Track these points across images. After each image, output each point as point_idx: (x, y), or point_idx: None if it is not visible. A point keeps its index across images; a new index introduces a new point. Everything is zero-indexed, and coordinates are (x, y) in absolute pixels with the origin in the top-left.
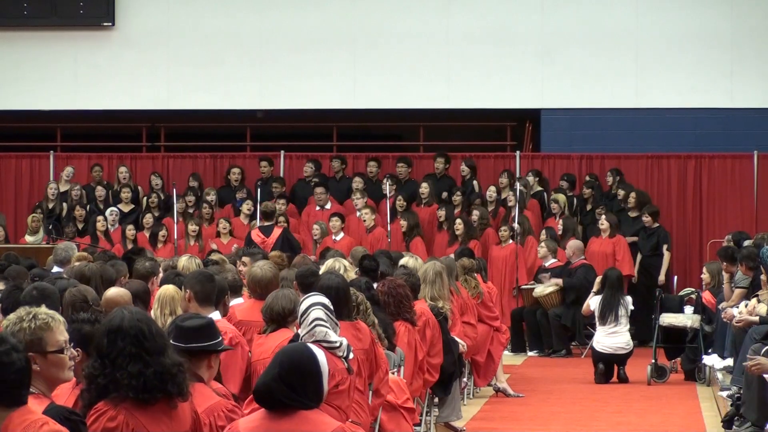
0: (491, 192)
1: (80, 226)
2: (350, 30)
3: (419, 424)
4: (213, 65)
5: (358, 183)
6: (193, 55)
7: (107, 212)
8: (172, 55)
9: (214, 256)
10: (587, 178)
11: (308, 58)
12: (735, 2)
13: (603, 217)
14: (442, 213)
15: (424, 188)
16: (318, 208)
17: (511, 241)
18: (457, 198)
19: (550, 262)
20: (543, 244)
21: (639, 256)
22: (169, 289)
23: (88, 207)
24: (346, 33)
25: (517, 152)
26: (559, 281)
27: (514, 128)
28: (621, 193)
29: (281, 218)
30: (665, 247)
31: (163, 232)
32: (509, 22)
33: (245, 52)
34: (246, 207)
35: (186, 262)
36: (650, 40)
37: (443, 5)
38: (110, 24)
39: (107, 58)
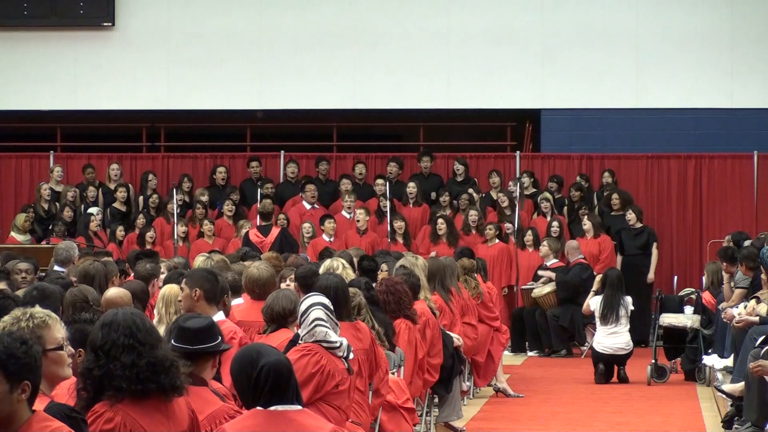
0: (473, 192)
1: (69, 227)
2: (350, 30)
3: (419, 424)
4: (213, 65)
5: (346, 185)
6: (193, 55)
7: (94, 211)
8: (172, 55)
9: (215, 257)
10: (577, 179)
11: (308, 58)
12: (735, 3)
13: (585, 217)
14: (440, 213)
15: (412, 188)
16: (309, 206)
17: (497, 240)
18: (446, 198)
19: (552, 261)
20: (545, 243)
21: (619, 257)
22: (174, 288)
23: (82, 207)
24: (346, 33)
25: (517, 152)
26: (552, 275)
27: (514, 128)
28: (605, 194)
29: (281, 217)
30: (654, 245)
31: (150, 233)
32: (509, 22)
33: (245, 52)
34: (227, 208)
35: (202, 262)
36: (650, 40)
37: (443, 5)
38: (110, 24)
39: (107, 58)
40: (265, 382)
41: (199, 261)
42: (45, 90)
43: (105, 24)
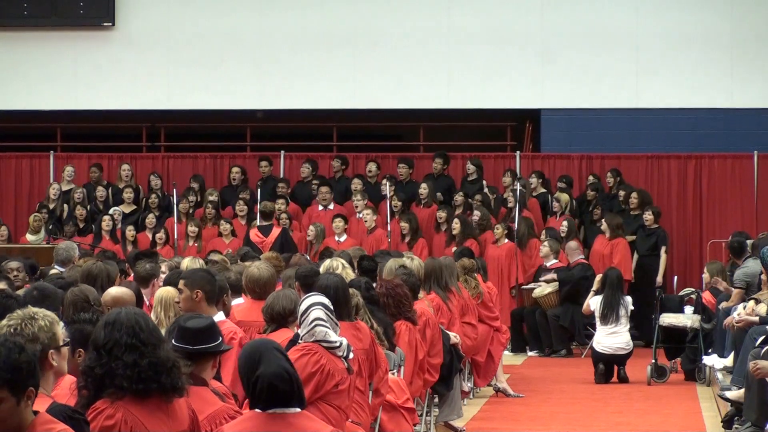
0: (487, 192)
1: (81, 225)
2: (350, 30)
3: (419, 424)
4: (213, 65)
5: (357, 184)
6: (193, 55)
7: (111, 211)
8: (172, 55)
9: (215, 257)
10: (590, 179)
11: (308, 58)
12: (735, 3)
13: (604, 219)
14: (442, 214)
15: (423, 189)
16: (321, 208)
17: (506, 240)
18: (459, 198)
19: (552, 262)
20: (546, 243)
21: (636, 256)
22: (170, 291)
23: (89, 207)
24: (346, 33)
25: (517, 152)
26: (554, 276)
27: (514, 128)
28: (622, 193)
29: (283, 216)
30: (663, 248)
31: (160, 234)
32: (509, 22)
33: (245, 52)
34: (238, 208)
35: (189, 263)
36: (650, 40)
37: (443, 5)
38: (110, 24)
39: (107, 58)
40: (260, 391)
41: (186, 262)
42: (45, 90)
43: (105, 24)
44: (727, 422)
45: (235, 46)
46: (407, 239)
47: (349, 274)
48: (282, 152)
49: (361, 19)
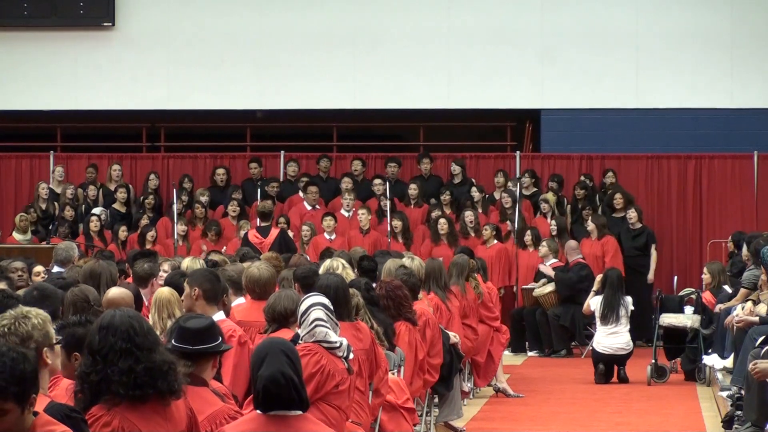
0: (475, 193)
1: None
2: (350, 30)
3: (419, 424)
4: (213, 65)
5: (347, 183)
6: (193, 55)
7: (97, 211)
8: (172, 55)
9: (216, 257)
10: (581, 178)
11: (308, 58)
12: (735, 2)
13: (589, 218)
14: (438, 213)
15: (413, 189)
16: (309, 207)
17: (495, 241)
18: (446, 198)
19: (551, 261)
20: (544, 243)
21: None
22: (164, 292)
23: (83, 207)
24: (346, 33)
25: (517, 152)
26: (552, 272)
27: (514, 128)
28: (609, 192)
29: (281, 219)
30: (653, 246)
31: (151, 233)
32: (509, 22)
33: (245, 52)
34: (231, 208)
35: (190, 262)
36: (650, 40)
37: (444, 5)
38: (110, 24)
39: (107, 58)
40: (257, 392)
41: (186, 262)
42: (45, 90)
43: (105, 24)
44: (727, 422)
45: (235, 46)
46: (399, 239)
47: (349, 275)
48: (282, 152)
49: (361, 19)
